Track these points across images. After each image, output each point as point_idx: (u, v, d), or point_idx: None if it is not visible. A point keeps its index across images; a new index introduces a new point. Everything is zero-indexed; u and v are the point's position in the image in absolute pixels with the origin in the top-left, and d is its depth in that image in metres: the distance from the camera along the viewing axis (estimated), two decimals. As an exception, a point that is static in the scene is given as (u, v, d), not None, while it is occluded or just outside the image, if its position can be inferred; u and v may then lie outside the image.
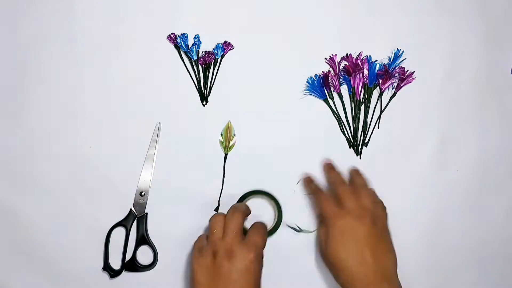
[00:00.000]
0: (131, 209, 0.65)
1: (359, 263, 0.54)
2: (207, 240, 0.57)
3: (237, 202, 0.63)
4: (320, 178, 0.66)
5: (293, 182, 0.66)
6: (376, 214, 0.58)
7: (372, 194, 0.61)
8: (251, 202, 0.64)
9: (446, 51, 0.67)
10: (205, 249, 0.56)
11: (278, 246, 0.64)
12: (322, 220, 0.60)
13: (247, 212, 0.60)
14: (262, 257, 0.56)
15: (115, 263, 0.65)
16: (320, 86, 0.65)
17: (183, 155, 0.65)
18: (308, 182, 0.64)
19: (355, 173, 0.64)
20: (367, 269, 0.54)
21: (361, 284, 0.54)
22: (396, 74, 0.66)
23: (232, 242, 0.55)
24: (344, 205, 0.58)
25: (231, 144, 0.65)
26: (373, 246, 0.56)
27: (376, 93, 0.67)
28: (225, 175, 0.65)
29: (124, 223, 0.64)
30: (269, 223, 0.64)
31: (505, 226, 0.68)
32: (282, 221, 0.64)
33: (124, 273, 0.64)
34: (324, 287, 0.65)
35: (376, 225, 0.57)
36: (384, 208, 0.60)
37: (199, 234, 0.63)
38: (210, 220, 0.58)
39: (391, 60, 0.66)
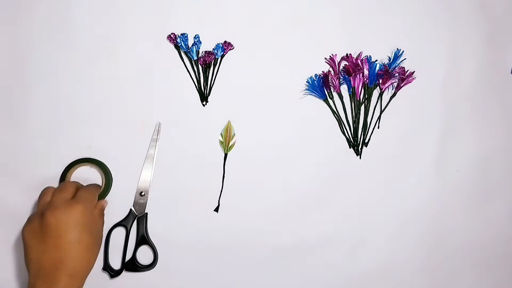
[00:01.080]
0: (131, 209, 0.65)
1: None
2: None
3: (64, 171, 0.63)
4: (319, 179, 0.66)
5: (294, 181, 0.66)
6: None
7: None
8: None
9: (446, 51, 0.67)
10: (33, 215, 0.56)
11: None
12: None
13: (78, 185, 0.60)
14: (100, 211, 0.59)
15: (115, 263, 0.64)
16: (320, 86, 0.65)
17: (183, 155, 0.65)
18: None
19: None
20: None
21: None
22: (396, 74, 0.66)
23: (59, 200, 0.55)
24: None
25: (231, 144, 0.65)
26: None
27: (376, 93, 0.67)
28: (225, 175, 0.65)
29: (124, 223, 0.64)
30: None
31: (505, 226, 0.68)
32: (113, 188, 0.64)
33: (124, 273, 0.64)
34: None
35: None
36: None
37: (200, 234, 0.63)
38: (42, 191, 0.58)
39: (391, 60, 0.66)
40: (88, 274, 0.56)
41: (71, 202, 0.55)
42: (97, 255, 0.57)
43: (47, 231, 0.52)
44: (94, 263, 0.56)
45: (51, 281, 0.51)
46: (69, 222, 0.53)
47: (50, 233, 0.52)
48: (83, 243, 0.53)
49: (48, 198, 0.57)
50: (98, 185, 0.63)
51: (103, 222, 0.61)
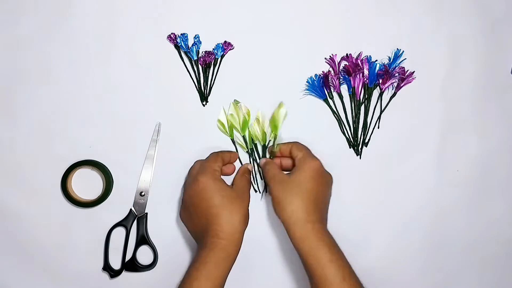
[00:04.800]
0: (131, 209, 0.65)
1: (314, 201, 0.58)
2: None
3: (64, 174, 0.64)
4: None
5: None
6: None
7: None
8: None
9: (446, 51, 0.67)
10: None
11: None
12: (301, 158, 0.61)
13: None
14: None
15: (115, 263, 0.65)
16: (320, 86, 0.65)
17: (183, 155, 0.65)
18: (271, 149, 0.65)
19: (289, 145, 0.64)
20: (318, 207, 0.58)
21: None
22: (396, 74, 0.66)
23: (188, 181, 0.62)
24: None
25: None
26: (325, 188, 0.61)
27: (376, 93, 0.67)
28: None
29: (124, 223, 0.64)
30: (99, 191, 0.65)
31: (505, 226, 0.68)
32: (113, 188, 0.65)
33: (124, 273, 0.64)
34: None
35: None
36: None
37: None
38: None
39: (391, 60, 0.66)
40: (236, 233, 0.57)
41: (193, 178, 0.60)
42: (241, 211, 0.58)
43: (188, 208, 0.60)
44: (236, 220, 0.57)
45: (203, 245, 0.57)
46: (198, 194, 0.58)
47: (191, 209, 0.59)
48: (217, 207, 0.57)
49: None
50: (217, 153, 0.63)
51: (245, 181, 0.62)
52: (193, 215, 0.59)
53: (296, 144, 0.63)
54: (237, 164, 0.65)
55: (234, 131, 0.65)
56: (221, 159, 0.62)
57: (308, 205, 0.57)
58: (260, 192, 0.66)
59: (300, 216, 0.56)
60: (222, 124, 0.65)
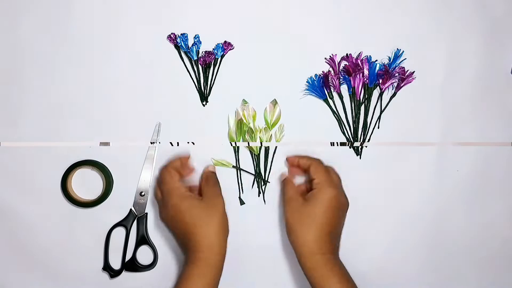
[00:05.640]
0: (131, 209, 0.65)
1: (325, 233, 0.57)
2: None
3: (64, 173, 0.64)
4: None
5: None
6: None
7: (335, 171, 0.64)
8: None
9: (446, 51, 0.67)
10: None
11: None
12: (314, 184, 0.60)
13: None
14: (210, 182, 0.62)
15: (115, 263, 0.65)
16: (320, 86, 0.65)
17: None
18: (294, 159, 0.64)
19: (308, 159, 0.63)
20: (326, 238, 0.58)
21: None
22: (396, 74, 0.66)
23: (159, 203, 0.63)
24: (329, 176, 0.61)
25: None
26: (341, 219, 0.61)
27: (376, 93, 0.67)
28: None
29: (124, 223, 0.64)
30: (99, 191, 0.65)
31: (505, 226, 0.68)
32: (113, 188, 0.65)
33: (124, 273, 0.64)
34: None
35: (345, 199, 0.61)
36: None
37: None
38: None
39: (391, 60, 0.66)
40: (214, 243, 0.57)
41: (163, 201, 0.61)
42: (215, 220, 0.57)
43: (168, 226, 0.61)
44: (211, 232, 0.57)
45: (186, 260, 0.58)
46: (172, 218, 0.59)
47: (169, 227, 0.61)
48: (190, 225, 0.57)
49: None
50: (166, 168, 0.62)
51: (212, 187, 0.61)
52: (174, 233, 0.60)
53: (315, 163, 0.62)
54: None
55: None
56: (175, 172, 0.61)
57: (321, 238, 0.57)
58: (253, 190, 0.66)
59: (312, 248, 0.56)
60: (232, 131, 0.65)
